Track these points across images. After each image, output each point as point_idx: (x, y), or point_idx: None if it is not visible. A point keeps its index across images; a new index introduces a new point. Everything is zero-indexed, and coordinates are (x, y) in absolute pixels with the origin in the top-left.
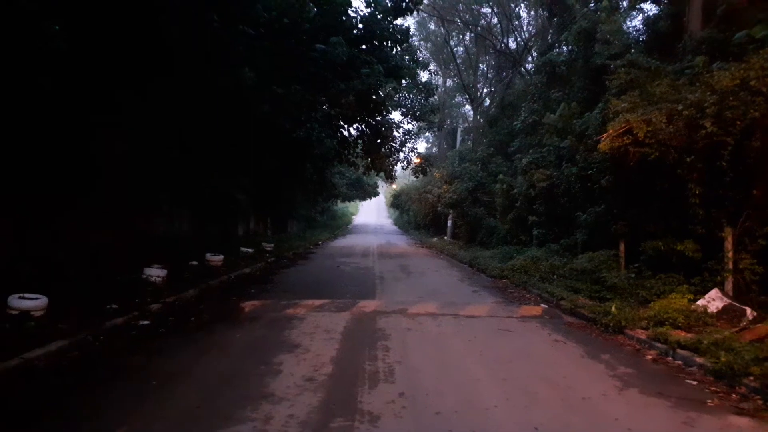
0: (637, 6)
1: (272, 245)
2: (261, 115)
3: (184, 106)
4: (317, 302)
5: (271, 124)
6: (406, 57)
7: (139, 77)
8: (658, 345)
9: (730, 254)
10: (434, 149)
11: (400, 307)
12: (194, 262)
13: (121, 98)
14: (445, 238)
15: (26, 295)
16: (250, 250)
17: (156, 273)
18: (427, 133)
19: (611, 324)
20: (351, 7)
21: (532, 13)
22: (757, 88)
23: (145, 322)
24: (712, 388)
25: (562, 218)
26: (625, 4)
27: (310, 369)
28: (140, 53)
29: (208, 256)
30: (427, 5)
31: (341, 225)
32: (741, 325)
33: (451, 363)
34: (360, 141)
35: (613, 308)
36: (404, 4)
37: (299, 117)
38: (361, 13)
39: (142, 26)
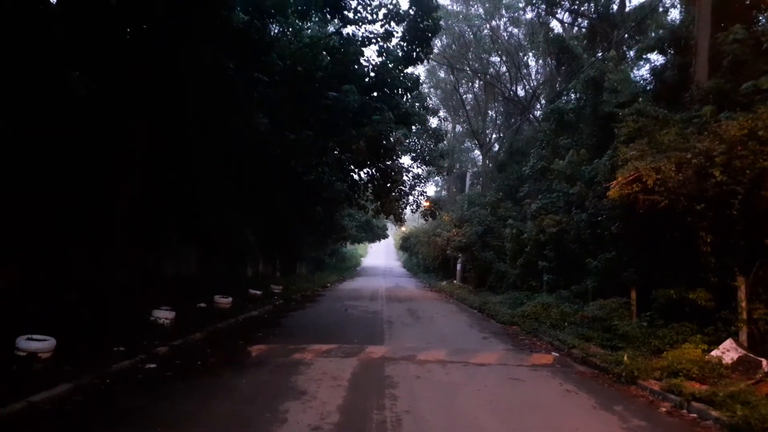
0: (644, 56)
1: (281, 287)
2: (273, 158)
3: (197, 148)
4: (324, 347)
5: (282, 167)
6: (417, 104)
7: (154, 118)
8: (672, 397)
9: (743, 304)
10: (443, 193)
11: (409, 353)
12: (202, 304)
13: (136, 138)
14: (455, 281)
15: (34, 336)
16: (258, 292)
17: (164, 315)
18: (436, 177)
19: (624, 374)
20: (363, 56)
21: (540, 61)
22: (765, 138)
23: (152, 365)
24: None
25: (573, 264)
26: (632, 54)
27: (316, 417)
28: (157, 97)
29: (217, 298)
30: (437, 54)
31: (350, 267)
32: (757, 377)
33: (460, 413)
34: (370, 185)
35: (626, 358)
36: (414, 54)
37: (310, 161)
38: (373, 62)
39: (160, 74)
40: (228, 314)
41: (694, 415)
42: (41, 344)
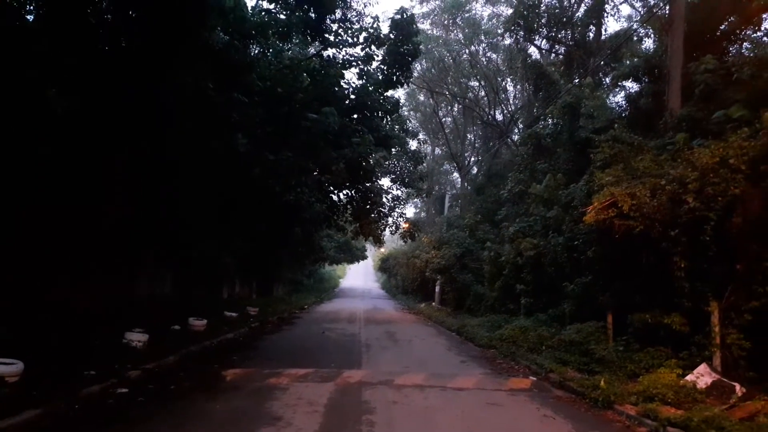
0: (620, 83)
1: (257, 309)
2: (252, 179)
3: (175, 168)
4: (301, 371)
5: (261, 188)
6: (396, 126)
7: (133, 139)
8: (648, 422)
9: (716, 329)
10: (423, 214)
11: (386, 377)
12: (176, 327)
13: (115, 160)
14: (433, 304)
15: (1, 360)
16: (234, 314)
17: (137, 338)
18: (415, 199)
19: (600, 399)
20: (343, 78)
21: (518, 86)
22: (736, 166)
23: (123, 390)
24: None
25: (550, 288)
26: (608, 80)
27: None
28: (136, 118)
29: (191, 320)
30: (417, 78)
31: (328, 288)
32: (730, 401)
33: None
34: (349, 206)
35: (602, 382)
36: (395, 77)
37: (290, 182)
38: (353, 85)
39: (139, 94)
40: (203, 337)
41: None
42: (8, 368)
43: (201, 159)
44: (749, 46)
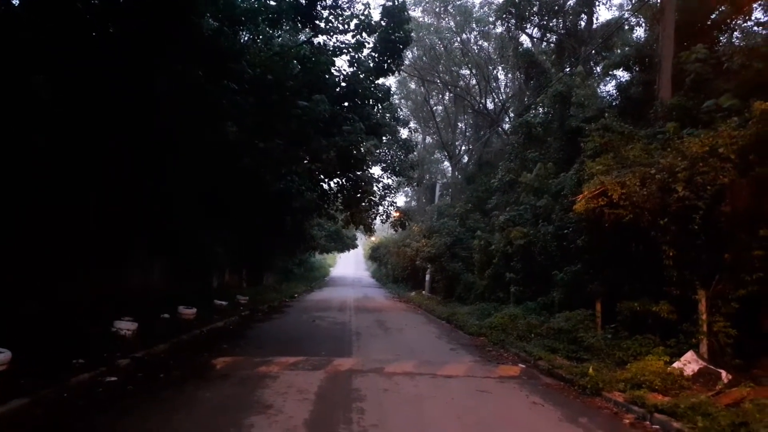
0: (610, 72)
1: (247, 298)
2: (242, 167)
3: (164, 157)
4: (291, 359)
5: (252, 177)
6: (387, 114)
7: (122, 127)
8: (636, 408)
9: (704, 317)
10: (413, 203)
11: (377, 365)
12: (166, 315)
13: (104, 149)
14: (423, 292)
15: None
16: (224, 302)
17: (126, 326)
18: (406, 188)
19: (589, 386)
20: (334, 66)
21: (510, 75)
22: (725, 155)
23: (113, 379)
24: None
25: (539, 276)
26: (598, 69)
27: None
28: (126, 106)
29: (181, 309)
30: (408, 66)
31: (318, 277)
32: (716, 388)
33: (429, 426)
34: (340, 194)
35: (591, 370)
36: (386, 65)
37: (280, 170)
38: (344, 72)
39: (128, 81)
40: (192, 325)
41: (657, 426)
42: None
43: (190, 147)
44: (739, 36)
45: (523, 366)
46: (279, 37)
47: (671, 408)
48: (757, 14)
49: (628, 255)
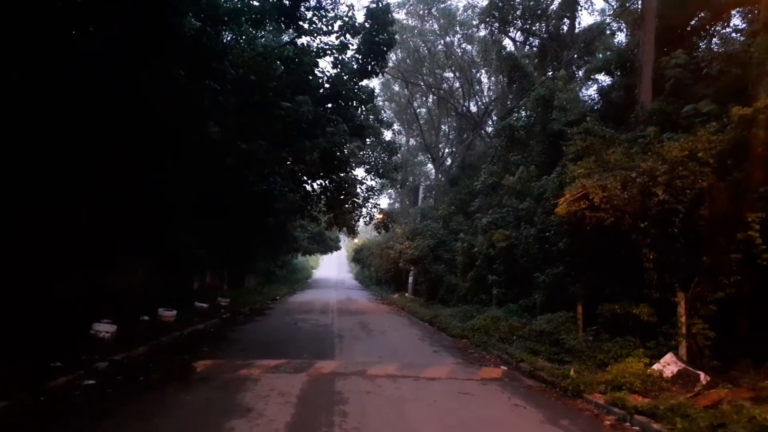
0: (592, 77)
1: (228, 300)
2: (225, 168)
3: (147, 157)
4: (273, 362)
5: (235, 178)
6: (371, 116)
7: (106, 126)
8: (616, 410)
9: (683, 319)
10: (397, 205)
11: (359, 368)
12: (146, 317)
13: (88, 148)
14: (406, 294)
15: None
16: (204, 305)
17: (105, 328)
18: (389, 190)
19: (570, 388)
20: (318, 67)
21: (493, 78)
22: (704, 160)
23: (91, 382)
24: None
25: (522, 278)
26: (581, 74)
27: None
28: (104, 105)
29: (161, 311)
30: (392, 68)
31: (301, 279)
32: (695, 390)
33: (411, 429)
34: (323, 196)
35: (572, 372)
36: (370, 66)
37: (263, 171)
38: (328, 74)
39: (108, 80)
40: (172, 328)
41: (637, 428)
42: None
43: (173, 148)
44: (718, 42)
45: (505, 368)
46: (262, 37)
47: (651, 409)
48: (736, 21)
49: (609, 258)
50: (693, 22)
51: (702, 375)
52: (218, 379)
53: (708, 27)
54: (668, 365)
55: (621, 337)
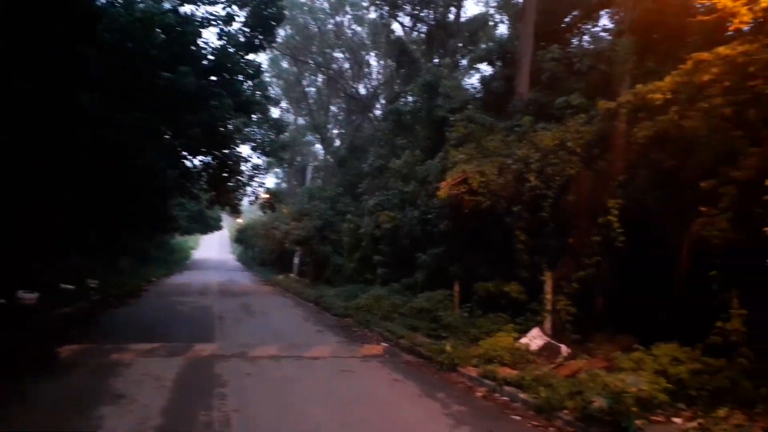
0: (475, 66)
1: (98, 282)
2: (98, 140)
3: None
4: (147, 346)
5: (107, 151)
6: (258, 92)
7: None
8: (488, 382)
9: (549, 296)
10: (284, 185)
11: (240, 350)
12: (2, 301)
13: None
14: (292, 275)
15: None
16: (71, 287)
17: None
18: (276, 169)
19: (446, 362)
20: (201, 37)
21: (382, 62)
22: (572, 149)
23: None
24: (534, 423)
25: (405, 259)
26: (465, 62)
27: (135, 422)
28: None
29: (20, 293)
30: (281, 44)
31: (179, 260)
32: (557, 361)
33: (292, 408)
34: (205, 173)
35: (448, 347)
36: (257, 40)
37: (142, 145)
38: (213, 45)
39: None
40: (34, 312)
41: (506, 398)
42: None
43: (37, 117)
44: (589, 40)
45: (386, 345)
46: (141, 2)
47: (518, 380)
48: (604, 21)
49: (486, 239)
50: (567, 19)
51: (564, 347)
52: (86, 365)
53: (580, 25)
54: (534, 339)
55: (493, 314)
